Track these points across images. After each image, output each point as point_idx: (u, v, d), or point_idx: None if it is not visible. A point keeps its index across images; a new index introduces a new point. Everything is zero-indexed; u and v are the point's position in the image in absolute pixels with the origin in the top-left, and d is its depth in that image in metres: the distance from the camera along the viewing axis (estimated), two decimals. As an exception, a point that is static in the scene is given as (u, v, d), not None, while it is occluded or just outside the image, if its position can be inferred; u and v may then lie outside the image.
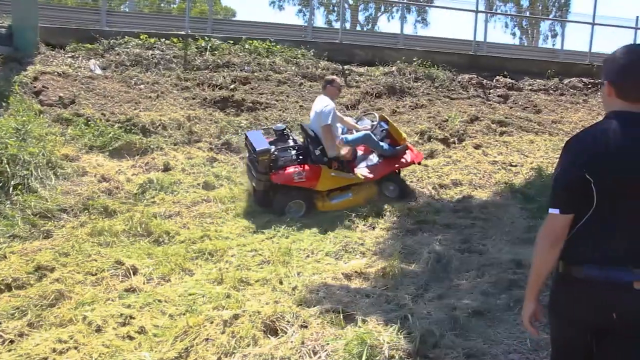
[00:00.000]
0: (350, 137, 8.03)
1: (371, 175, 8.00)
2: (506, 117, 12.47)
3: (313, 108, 7.96)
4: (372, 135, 8.07)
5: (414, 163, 8.50)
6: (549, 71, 15.18)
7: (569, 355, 2.51)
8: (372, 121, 8.55)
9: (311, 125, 7.86)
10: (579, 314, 2.36)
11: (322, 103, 7.71)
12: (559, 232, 2.31)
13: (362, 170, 8.04)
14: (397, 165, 8.32)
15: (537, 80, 14.79)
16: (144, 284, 5.26)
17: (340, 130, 8.07)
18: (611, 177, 2.20)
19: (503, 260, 5.92)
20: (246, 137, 7.97)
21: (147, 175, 8.15)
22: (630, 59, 2.29)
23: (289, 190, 7.58)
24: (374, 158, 8.30)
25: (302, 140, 8.20)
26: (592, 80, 15.30)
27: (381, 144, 8.12)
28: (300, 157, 7.75)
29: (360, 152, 8.30)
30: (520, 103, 13.62)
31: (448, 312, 4.75)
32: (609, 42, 18.91)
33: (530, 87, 14.46)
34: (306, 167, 7.60)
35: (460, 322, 4.61)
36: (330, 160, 7.69)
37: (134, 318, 4.52)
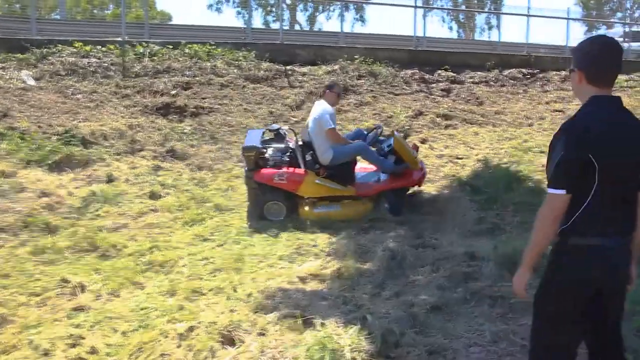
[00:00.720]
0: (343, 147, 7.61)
1: (366, 191, 7.58)
2: (450, 111, 12.61)
3: (311, 114, 7.73)
4: (368, 148, 7.60)
5: (414, 185, 7.98)
6: (489, 63, 15.48)
7: (571, 319, 2.73)
8: (377, 134, 7.98)
9: (310, 131, 7.58)
10: (591, 278, 2.65)
11: (320, 107, 7.52)
12: (561, 210, 2.56)
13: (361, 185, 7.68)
14: (397, 184, 7.64)
15: (478, 72, 15.07)
16: (92, 301, 5.05)
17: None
18: (604, 161, 2.49)
19: (457, 254, 5.94)
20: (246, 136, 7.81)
21: (89, 188, 7.86)
22: (597, 49, 2.60)
23: (270, 190, 7.36)
24: (382, 175, 7.83)
25: (298, 142, 7.78)
26: (530, 71, 15.70)
27: (381, 158, 7.66)
28: (289, 159, 7.52)
29: (372, 168, 8.03)
30: (462, 96, 13.82)
31: (406, 309, 4.72)
32: (544, 33, 19.53)
33: (471, 80, 14.70)
34: (291, 169, 7.40)
35: (420, 318, 4.61)
36: (322, 167, 7.48)
37: (84, 338, 4.32)
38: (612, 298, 2.78)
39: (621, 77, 16.42)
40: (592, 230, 2.59)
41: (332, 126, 7.36)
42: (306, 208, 7.39)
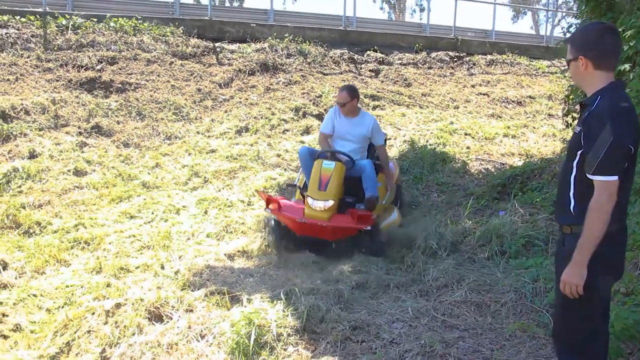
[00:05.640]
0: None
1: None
2: (378, 92, 12.81)
3: None
4: (303, 156, 6.30)
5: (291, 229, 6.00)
6: (417, 45, 15.70)
7: (604, 305, 2.87)
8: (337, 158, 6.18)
9: None
10: (622, 257, 2.81)
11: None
12: (615, 197, 2.53)
13: None
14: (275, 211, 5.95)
15: (406, 54, 15.25)
16: (15, 278, 5.01)
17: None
18: (636, 147, 2.56)
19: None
20: None
21: (11, 164, 7.61)
22: (601, 35, 2.63)
23: None
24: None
25: None
26: (457, 54, 16.00)
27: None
28: None
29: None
30: (391, 77, 14.02)
31: (332, 286, 4.88)
32: (471, 17, 19.86)
33: (399, 61, 14.89)
34: None
35: (345, 295, 4.78)
36: None
37: (7, 315, 4.31)
38: None
39: (543, 63, 17.03)
40: (619, 215, 2.60)
41: (322, 129, 6.61)
42: None
